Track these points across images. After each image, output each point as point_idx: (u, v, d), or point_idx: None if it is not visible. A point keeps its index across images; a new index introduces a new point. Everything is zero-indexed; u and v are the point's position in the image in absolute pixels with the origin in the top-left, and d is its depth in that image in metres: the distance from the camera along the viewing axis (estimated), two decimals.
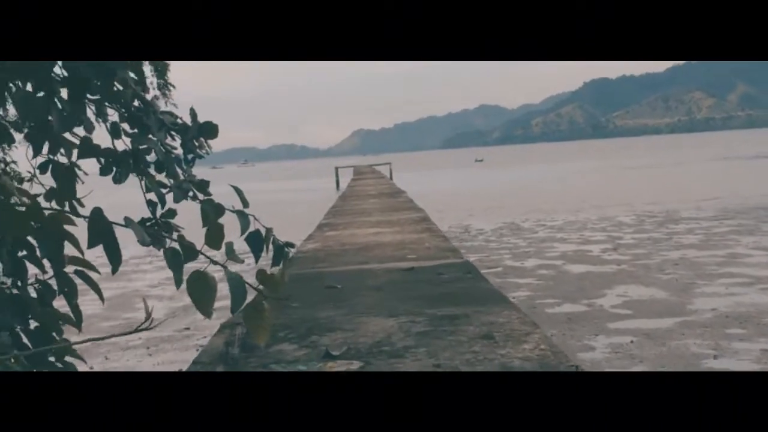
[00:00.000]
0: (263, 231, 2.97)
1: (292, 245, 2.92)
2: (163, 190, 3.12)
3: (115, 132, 3.64)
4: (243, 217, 2.85)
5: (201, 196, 4.01)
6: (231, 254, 2.19)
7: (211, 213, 2.81)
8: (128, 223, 2.22)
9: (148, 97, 3.31)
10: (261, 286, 2.18)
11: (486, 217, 26.67)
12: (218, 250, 2.31)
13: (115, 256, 2.52)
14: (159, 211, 3.13)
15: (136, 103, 3.61)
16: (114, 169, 3.74)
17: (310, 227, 12.77)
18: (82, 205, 2.83)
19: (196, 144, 4.00)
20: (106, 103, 3.63)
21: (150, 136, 3.66)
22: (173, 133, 3.86)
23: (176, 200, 3.68)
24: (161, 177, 3.76)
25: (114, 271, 2.55)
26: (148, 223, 3.70)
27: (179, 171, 3.98)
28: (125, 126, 3.68)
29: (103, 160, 3.71)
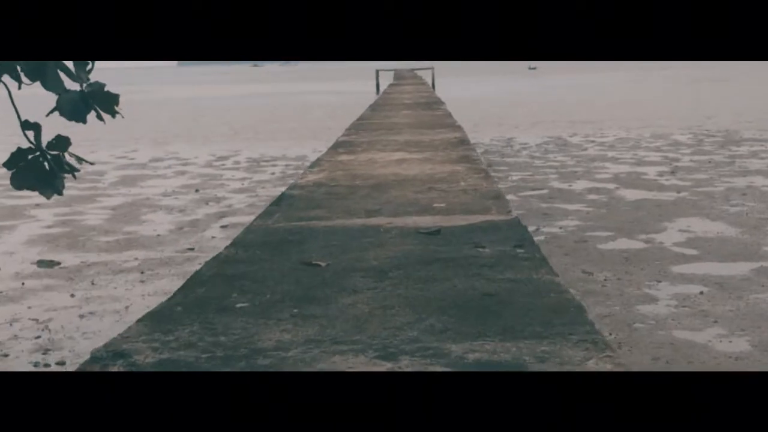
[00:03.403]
0: None
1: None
2: None
3: None
4: None
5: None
6: None
7: None
8: None
9: None
10: None
11: (531, 130, 24.99)
12: None
13: None
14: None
15: None
16: None
17: (329, 141, 11.31)
18: None
19: None
20: None
21: None
22: None
23: (70, 118, 2.48)
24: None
25: None
26: (29, 156, 2.52)
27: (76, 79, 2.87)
28: None
29: None
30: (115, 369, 2.57)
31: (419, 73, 57.18)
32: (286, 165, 18.22)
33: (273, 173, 16.97)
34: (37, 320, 7.34)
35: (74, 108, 2.37)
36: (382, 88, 39.19)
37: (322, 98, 50.00)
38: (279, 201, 5.79)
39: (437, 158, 8.02)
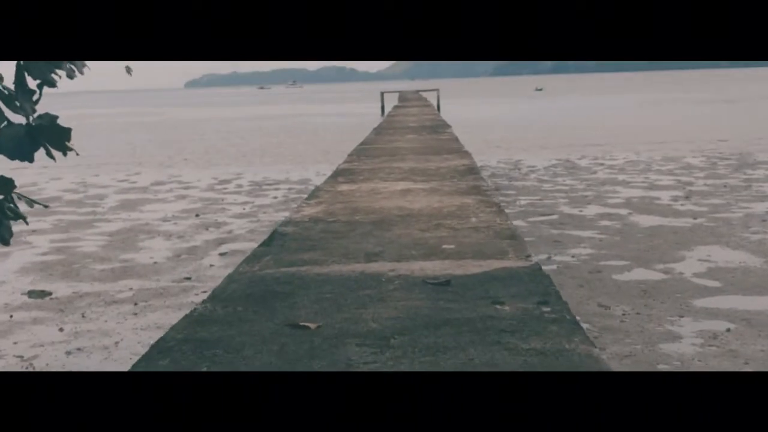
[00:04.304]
0: None
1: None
2: None
3: None
4: None
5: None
6: None
7: None
8: None
9: None
10: None
11: (539, 152, 24.56)
12: None
13: None
14: None
15: None
16: None
17: (332, 166, 10.83)
18: None
19: None
20: None
21: None
22: None
23: (12, 157, 2.03)
24: None
25: None
26: None
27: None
28: None
29: None
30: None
31: (424, 94, 56.89)
32: (289, 189, 17.82)
33: (275, 197, 16.56)
34: (22, 357, 6.92)
35: (18, 145, 1.94)
36: (387, 110, 38.86)
37: (328, 120, 49.73)
38: (270, 240, 5.27)
39: (445, 189, 7.49)
